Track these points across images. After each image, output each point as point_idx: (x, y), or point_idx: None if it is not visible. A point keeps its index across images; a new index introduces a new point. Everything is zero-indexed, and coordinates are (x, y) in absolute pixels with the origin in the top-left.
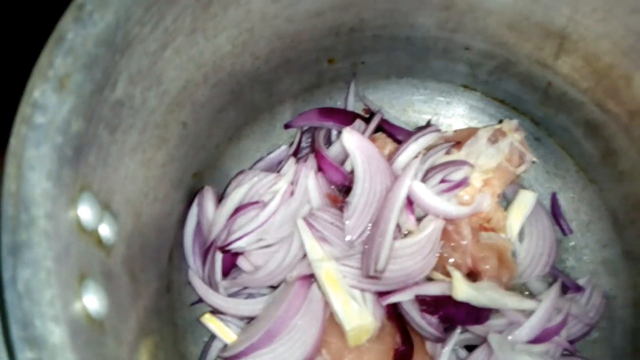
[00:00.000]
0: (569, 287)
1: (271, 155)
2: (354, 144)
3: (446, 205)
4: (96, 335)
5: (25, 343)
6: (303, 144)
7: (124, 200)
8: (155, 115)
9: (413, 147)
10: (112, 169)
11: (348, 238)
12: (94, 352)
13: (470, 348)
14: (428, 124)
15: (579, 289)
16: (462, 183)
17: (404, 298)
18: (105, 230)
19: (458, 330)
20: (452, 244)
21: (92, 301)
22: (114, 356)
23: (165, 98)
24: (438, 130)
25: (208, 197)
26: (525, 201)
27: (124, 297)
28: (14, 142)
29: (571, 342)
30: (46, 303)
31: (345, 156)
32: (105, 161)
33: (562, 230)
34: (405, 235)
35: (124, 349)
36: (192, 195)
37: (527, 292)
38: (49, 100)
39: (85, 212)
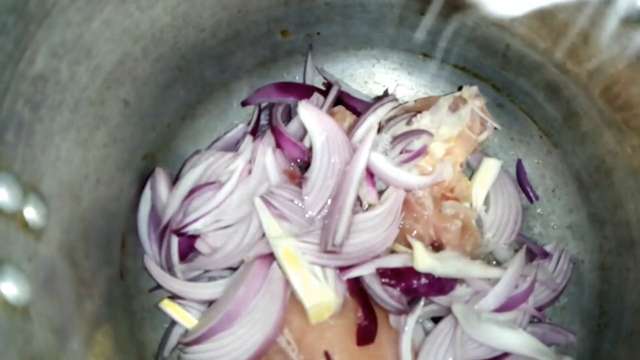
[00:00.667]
0: (535, 254)
1: (228, 135)
2: (311, 117)
3: (406, 176)
4: (16, 322)
5: None
6: (262, 121)
7: (56, 183)
8: (88, 91)
9: (371, 119)
10: (38, 149)
11: (308, 214)
12: (10, 339)
13: (437, 320)
14: (385, 94)
15: (545, 255)
16: (421, 152)
17: (364, 272)
18: (32, 214)
19: (422, 302)
20: (415, 215)
21: (10, 288)
22: (43, 345)
23: (98, 73)
24: (395, 100)
25: (160, 179)
26: (489, 169)
27: (60, 284)
28: None
29: (539, 308)
30: None
31: (305, 132)
32: (28, 140)
33: (529, 197)
34: (367, 209)
35: (59, 338)
36: (144, 178)
37: (494, 262)
38: None
39: (3, 194)
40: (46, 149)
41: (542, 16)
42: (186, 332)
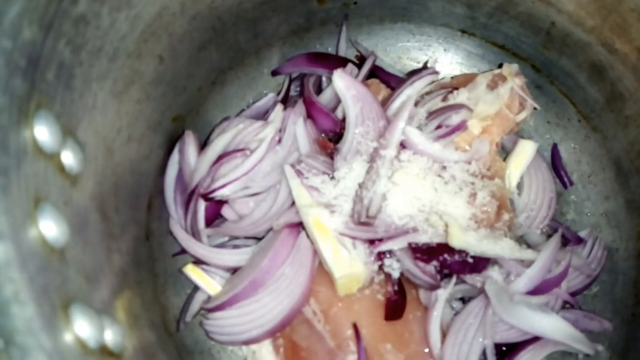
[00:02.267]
0: (569, 240)
1: (258, 103)
2: (345, 86)
3: (443, 151)
4: (55, 263)
5: None
6: (292, 92)
7: (92, 132)
8: (126, 41)
9: (408, 91)
10: (77, 93)
11: (339, 185)
12: (49, 278)
13: (465, 301)
14: (425, 67)
15: (579, 241)
16: (460, 127)
17: (396, 246)
18: (69, 158)
19: (454, 278)
20: None
21: (50, 227)
22: (77, 289)
23: (137, 24)
24: (436, 73)
25: (190, 142)
26: (524, 151)
27: (92, 234)
28: None
29: (571, 294)
30: None
31: (337, 103)
32: (68, 83)
33: (563, 182)
34: None
35: (92, 286)
36: (172, 141)
37: (524, 246)
38: None
39: (43, 132)
40: (84, 95)
41: None
42: (209, 298)
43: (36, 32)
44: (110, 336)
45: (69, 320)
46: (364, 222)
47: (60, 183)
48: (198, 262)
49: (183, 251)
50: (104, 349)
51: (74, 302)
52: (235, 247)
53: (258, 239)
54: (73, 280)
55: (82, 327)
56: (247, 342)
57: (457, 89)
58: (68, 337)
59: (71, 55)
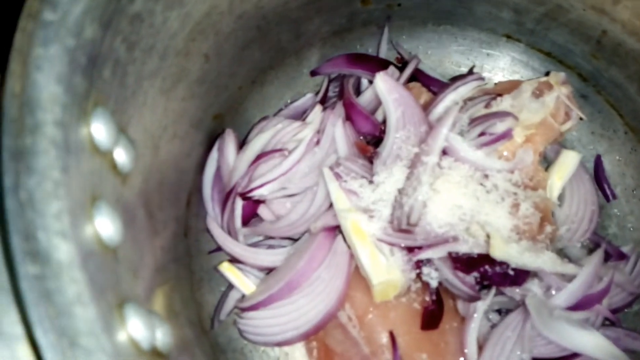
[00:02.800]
0: (611, 255)
1: (296, 104)
2: (387, 89)
3: (485, 159)
4: (109, 262)
5: (28, 256)
6: (330, 93)
7: (141, 129)
8: (176, 40)
9: (452, 96)
10: (130, 90)
11: (378, 190)
12: (106, 278)
13: (500, 313)
14: (471, 72)
15: (622, 256)
16: (505, 135)
17: (436, 255)
18: (121, 156)
19: (493, 290)
20: None
21: (105, 225)
22: (128, 288)
23: (187, 22)
24: (481, 79)
25: (229, 141)
26: (567, 162)
27: (139, 231)
28: (19, 37)
29: (613, 311)
30: (52, 216)
31: (376, 106)
32: (122, 80)
33: (605, 195)
34: None
35: (138, 283)
36: (212, 138)
37: (565, 259)
38: None
39: (100, 130)
40: (136, 93)
41: None
42: (243, 297)
43: (96, 30)
44: (160, 336)
45: (124, 321)
46: (403, 229)
47: (113, 181)
48: (233, 260)
49: (219, 249)
50: (154, 350)
51: (127, 302)
52: (270, 247)
53: (293, 239)
54: (125, 279)
55: (135, 328)
56: (280, 344)
57: (500, 95)
58: (123, 338)
59: (126, 52)
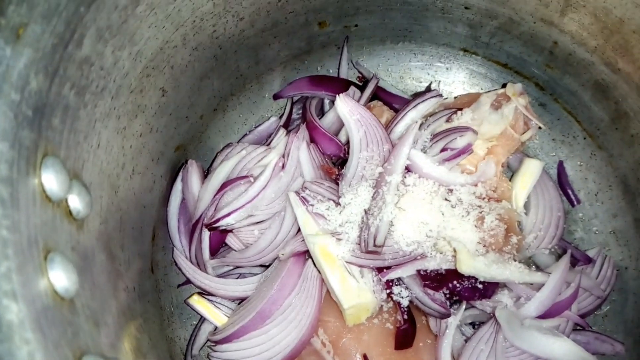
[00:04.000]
0: (578, 259)
1: (260, 128)
2: (348, 111)
3: (449, 174)
4: (66, 314)
5: None
6: (294, 116)
7: (97, 171)
8: (129, 78)
9: (412, 114)
10: (82, 135)
11: (345, 212)
12: (62, 332)
13: (474, 326)
14: (428, 89)
15: (589, 260)
16: (465, 150)
17: (405, 273)
18: (75, 202)
19: (464, 305)
20: None
21: (60, 277)
22: (89, 338)
23: (140, 60)
24: (439, 96)
25: (193, 171)
26: (530, 170)
27: (100, 276)
28: None
29: (582, 316)
30: (0, 276)
31: (339, 126)
32: (73, 126)
33: (570, 200)
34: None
35: (101, 331)
36: (175, 170)
37: (533, 267)
38: (1, 52)
39: (50, 179)
40: (88, 136)
41: (595, 12)
42: (215, 329)
43: (42, 81)
44: None
45: None
46: (371, 250)
47: (68, 228)
48: (204, 292)
49: (188, 282)
50: None
51: (86, 355)
52: (241, 275)
53: (265, 266)
54: (83, 328)
55: None
56: None
57: (460, 109)
58: None
59: (75, 98)
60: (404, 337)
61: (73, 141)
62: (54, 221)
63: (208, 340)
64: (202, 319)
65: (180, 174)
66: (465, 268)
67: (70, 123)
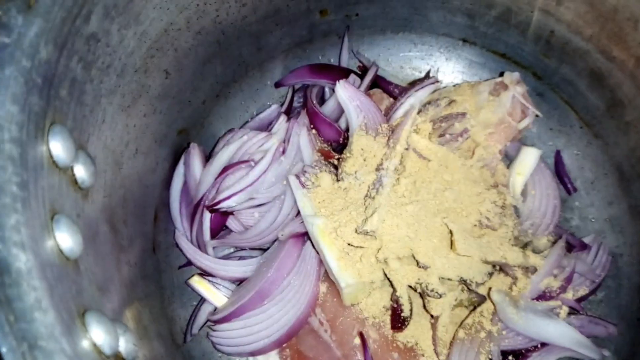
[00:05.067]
0: (574, 246)
1: (261, 115)
2: (349, 97)
3: (446, 159)
4: (70, 273)
5: None
6: (295, 103)
7: (101, 146)
8: (134, 57)
9: (410, 101)
10: (88, 108)
11: (346, 195)
12: (66, 287)
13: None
14: (427, 76)
15: (584, 246)
16: (462, 134)
17: (402, 253)
18: (81, 171)
19: (459, 287)
20: None
21: (65, 238)
22: (92, 299)
23: (144, 40)
24: (437, 82)
25: (195, 154)
26: (528, 158)
27: (103, 245)
28: None
29: (577, 300)
30: (10, 227)
31: (340, 113)
32: (80, 99)
33: (567, 189)
34: None
35: (104, 297)
36: (178, 153)
37: (529, 253)
38: (14, 21)
39: (57, 147)
40: (94, 110)
41: (590, 1)
42: (215, 309)
43: (51, 51)
44: (124, 344)
45: (86, 328)
46: (369, 229)
47: (73, 196)
48: (204, 273)
49: (189, 263)
50: (118, 356)
51: (89, 311)
52: (241, 258)
53: (264, 249)
54: (87, 289)
55: (97, 334)
56: (253, 353)
57: (459, 97)
58: (85, 344)
59: (82, 72)
60: (401, 318)
61: (79, 113)
62: (61, 186)
63: (208, 320)
64: (202, 300)
65: (183, 157)
66: (460, 249)
67: (77, 96)
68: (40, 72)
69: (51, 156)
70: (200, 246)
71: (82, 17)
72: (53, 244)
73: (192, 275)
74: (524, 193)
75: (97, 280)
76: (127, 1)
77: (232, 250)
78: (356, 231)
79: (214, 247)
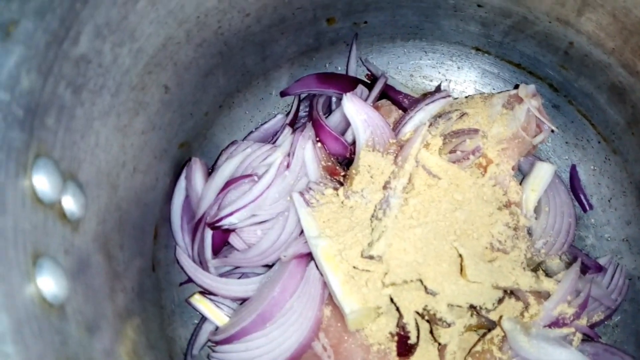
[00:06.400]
0: (589, 267)
1: (266, 125)
2: (356, 111)
3: (457, 177)
4: (54, 322)
5: None
6: (301, 113)
7: (94, 171)
8: (130, 75)
9: (420, 115)
10: (78, 134)
11: (350, 216)
12: (48, 342)
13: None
14: (438, 89)
15: (599, 268)
16: (474, 153)
17: (408, 278)
18: (70, 204)
19: (468, 313)
20: None
21: (48, 283)
22: (79, 346)
23: (141, 56)
24: (449, 97)
25: (197, 169)
26: (542, 174)
27: (95, 278)
28: None
29: (591, 326)
30: None
31: (346, 125)
32: (69, 125)
33: (582, 205)
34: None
35: (93, 337)
36: (179, 167)
37: (542, 274)
38: None
39: (42, 181)
40: (86, 135)
41: (614, 12)
42: (216, 329)
43: (34, 79)
44: None
45: None
46: (375, 254)
47: (61, 231)
48: (205, 292)
49: (190, 280)
50: None
51: None
52: (244, 275)
53: (267, 266)
54: (73, 336)
55: None
56: None
57: (471, 110)
58: None
59: (72, 96)
60: (407, 344)
61: (69, 141)
62: (46, 224)
63: (209, 340)
64: (203, 319)
65: (184, 171)
66: (470, 275)
67: (66, 122)
68: (21, 103)
69: (35, 193)
70: (202, 263)
71: (69, 39)
72: (34, 293)
73: (193, 294)
74: (537, 210)
75: (86, 320)
76: (120, 18)
77: (234, 266)
78: (362, 254)
79: (215, 266)
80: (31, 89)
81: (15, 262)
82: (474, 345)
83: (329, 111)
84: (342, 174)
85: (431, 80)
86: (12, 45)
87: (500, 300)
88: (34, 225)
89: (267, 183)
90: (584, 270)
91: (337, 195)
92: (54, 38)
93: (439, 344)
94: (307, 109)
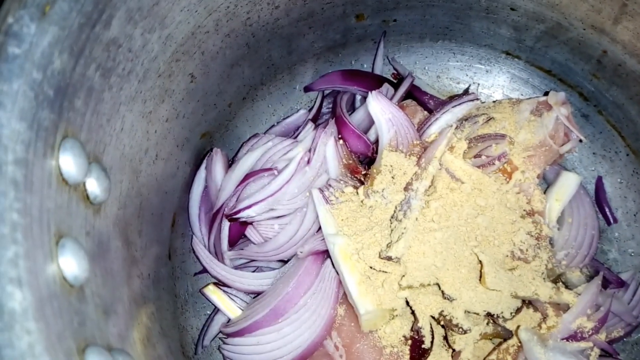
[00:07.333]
0: (610, 282)
1: (288, 120)
2: (380, 109)
3: (481, 182)
4: (73, 303)
5: None
6: (324, 109)
7: (119, 155)
8: (158, 62)
9: (447, 117)
10: (105, 117)
11: (370, 215)
12: (67, 321)
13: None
14: (466, 92)
15: (621, 284)
16: (500, 159)
17: (426, 282)
18: (93, 186)
19: (484, 320)
20: None
21: (70, 264)
22: (96, 327)
23: (170, 44)
24: (476, 100)
25: (217, 159)
26: (567, 184)
27: (114, 262)
28: None
29: (610, 342)
30: (7, 261)
31: (370, 124)
32: (96, 108)
33: (606, 218)
34: None
35: (109, 320)
36: (200, 157)
37: (562, 285)
38: (26, 30)
39: (68, 162)
40: (112, 119)
41: None
42: (228, 321)
43: (66, 61)
44: None
45: None
46: (393, 256)
47: (84, 213)
48: (219, 283)
49: (205, 270)
50: None
51: (90, 347)
52: (258, 268)
53: (283, 261)
54: (91, 318)
55: None
56: None
57: (498, 114)
58: None
59: (100, 79)
60: (420, 349)
61: (95, 124)
62: (69, 205)
63: (220, 331)
64: (216, 310)
65: (205, 161)
66: (490, 282)
67: (94, 105)
68: (52, 83)
69: (61, 173)
70: (217, 255)
71: (102, 23)
72: (56, 273)
73: (207, 284)
74: (560, 221)
75: (103, 303)
76: (152, 4)
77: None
78: (379, 255)
79: (230, 258)
80: (62, 70)
81: (39, 240)
82: (489, 354)
83: (352, 109)
84: (363, 172)
85: (458, 83)
86: (47, 25)
87: (518, 310)
88: (59, 206)
89: (286, 178)
90: (605, 284)
91: (357, 194)
92: (87, 20)
93: (453, 350)
94: (330, 106)
